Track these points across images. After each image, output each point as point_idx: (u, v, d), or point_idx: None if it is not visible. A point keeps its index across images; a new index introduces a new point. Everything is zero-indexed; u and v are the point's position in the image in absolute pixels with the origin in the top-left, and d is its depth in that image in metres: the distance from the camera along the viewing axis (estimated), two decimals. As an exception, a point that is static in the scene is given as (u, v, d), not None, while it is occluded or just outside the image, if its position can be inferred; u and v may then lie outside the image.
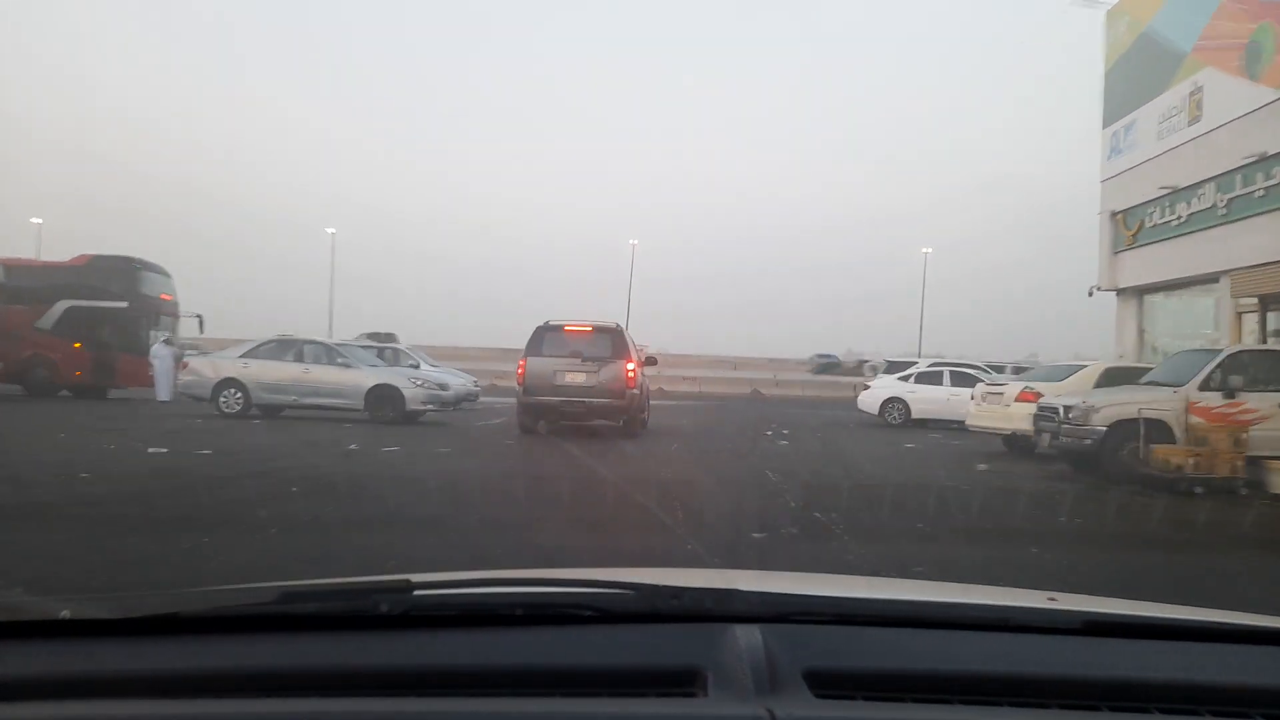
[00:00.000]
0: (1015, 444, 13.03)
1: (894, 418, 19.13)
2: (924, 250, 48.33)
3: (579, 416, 13.14)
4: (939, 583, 2.41)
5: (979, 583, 2.38)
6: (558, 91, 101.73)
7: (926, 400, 18.89)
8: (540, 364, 13.24)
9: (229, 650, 1.15)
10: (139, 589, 3.83)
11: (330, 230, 49.85)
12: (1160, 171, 19.94)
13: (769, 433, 15.68)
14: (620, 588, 1.28)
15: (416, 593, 1.25)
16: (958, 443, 14.56)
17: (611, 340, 13.53)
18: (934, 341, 44.18)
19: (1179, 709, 1.09)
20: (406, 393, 14.41)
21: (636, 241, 49.58)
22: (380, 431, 12.94)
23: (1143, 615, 1.38)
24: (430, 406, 14.73)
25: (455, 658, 1.14)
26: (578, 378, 13.17)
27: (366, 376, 14.54)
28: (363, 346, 21.43)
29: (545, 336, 13.56)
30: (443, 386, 15.44)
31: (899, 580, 2.40)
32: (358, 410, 14.39)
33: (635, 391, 13.35)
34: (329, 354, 14.80)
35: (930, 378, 19.51)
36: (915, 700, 1.09)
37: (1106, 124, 22.95)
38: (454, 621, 1.22)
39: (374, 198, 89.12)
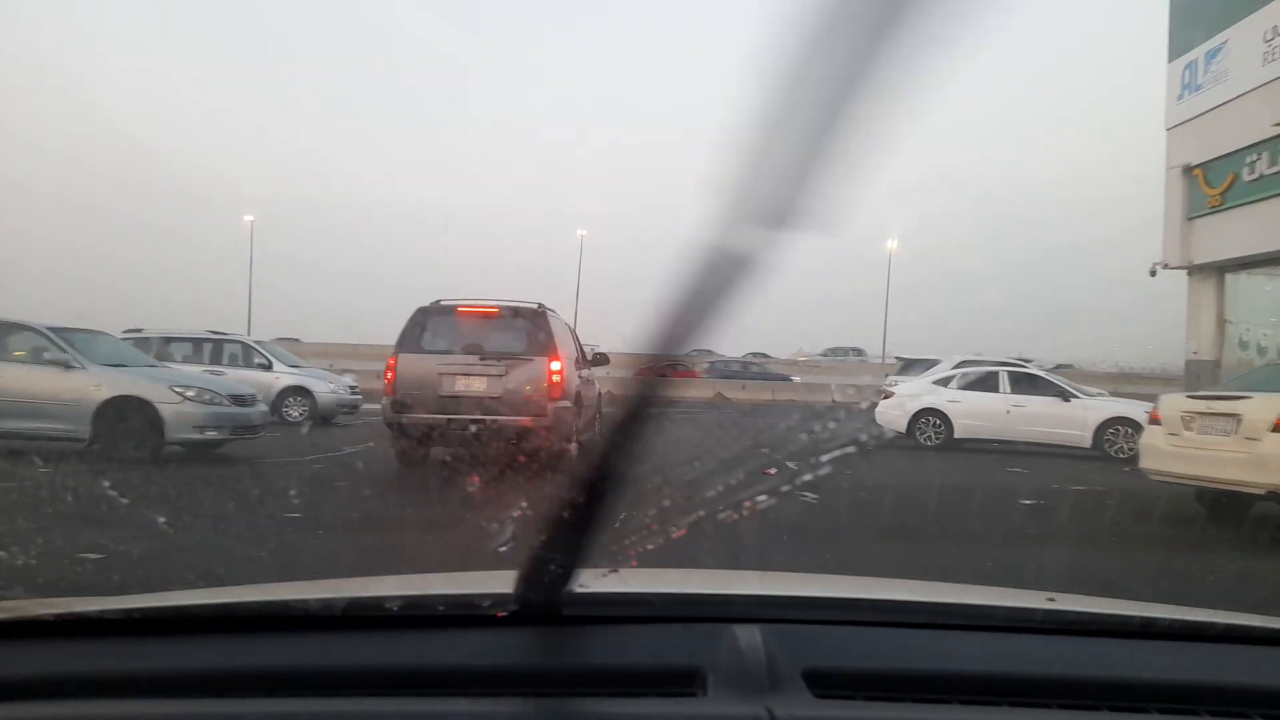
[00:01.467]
0: (1220, 504, 7.02)
1: (930, 438, 13.72)
2: (889, 243, 46.45)
3: (477, 445, 8.63)
4: (939, 583, 1.84)
5: None
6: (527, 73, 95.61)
7: (977, 414, 13.43)
8: (418, 364, 8.91)
9: (227, 650, 1.15)
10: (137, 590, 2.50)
11: (249, 218, 47.63)
12: (1269, 105, 15.05)
13: (771, 469, 10.16)
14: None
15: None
16: (1079, 489, 9.04)
17: (529, 328, 9.04)
18: (918, 342, 41.41)
19: (1178, 709, 1.08)
20: (167, 411, 8.63)
21: (584, 232, 49.48)
22: (102, 482, 7.21)
23: (1142, 615, 1.35)
24: (213, 433, 8.94)
25: (454, 657, 1.13)
26: (474, 384, 8.81)
27: (98, 384, 8.67)
28: (184, 339, 15.71)
29: (428, 323, 9.17)
30: (241, 400, 9.61)
31: (899, 580, 1.83)
32: (83, 440, 8.55)
33: (564, 404, 8.78)
34: (47, 347, 8.90)
35: (978, 382, 13.97)
36: (915, 700, 1.09)
37: (1175, 55, 18.02)
38: (453, 621, 1.21)
39: (302, 184, 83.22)
